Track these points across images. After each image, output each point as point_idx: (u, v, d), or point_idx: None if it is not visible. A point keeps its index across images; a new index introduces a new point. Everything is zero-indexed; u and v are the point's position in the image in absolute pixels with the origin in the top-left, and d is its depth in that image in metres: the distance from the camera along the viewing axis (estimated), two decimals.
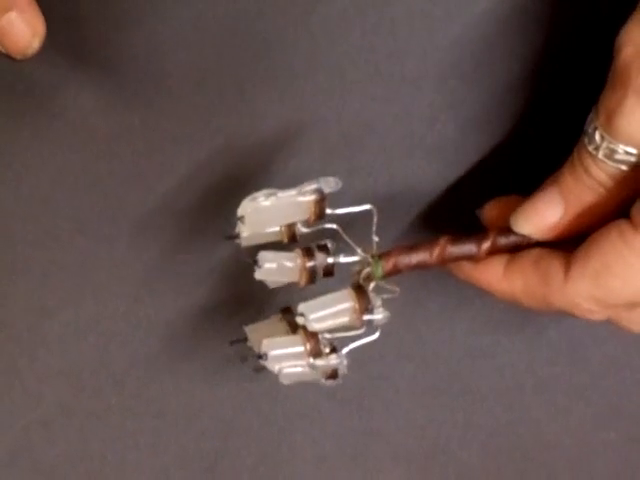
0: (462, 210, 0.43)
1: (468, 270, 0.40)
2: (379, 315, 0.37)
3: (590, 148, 0.36)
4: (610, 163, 0.36)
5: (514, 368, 0.47)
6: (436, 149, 0.44)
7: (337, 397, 0.47)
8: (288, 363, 0.37)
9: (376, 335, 0.37)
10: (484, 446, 0.48)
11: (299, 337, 0.37)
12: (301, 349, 0.37)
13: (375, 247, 0.38)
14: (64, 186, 0.43)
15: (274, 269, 0.37)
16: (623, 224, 0.35)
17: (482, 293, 0.45)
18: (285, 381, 0.37)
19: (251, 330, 0.40)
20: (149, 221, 0.44)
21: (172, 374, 0.45)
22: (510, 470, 0.49)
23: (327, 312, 0.37)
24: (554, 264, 0.37)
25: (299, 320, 0.37)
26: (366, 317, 0.37)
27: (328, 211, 0.37)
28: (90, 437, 0.45)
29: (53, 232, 0.43)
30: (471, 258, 0.39)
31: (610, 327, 0.46)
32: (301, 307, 0.37)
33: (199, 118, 0.43)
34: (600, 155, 0.36)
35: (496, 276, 0.39)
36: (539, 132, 0.43)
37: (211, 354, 0.46)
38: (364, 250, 0.38)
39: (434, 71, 0.42)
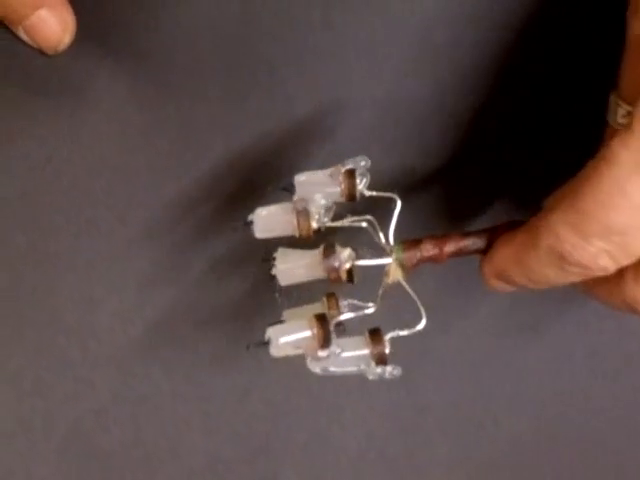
0: (500, 184, 0.43)
1: (485, 259, 0.39)
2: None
3: (607, 115, 0.37)
4: (617, 128, 0.36)
5: (561, 338, 0.47)
6: (471, 122, 0.43)
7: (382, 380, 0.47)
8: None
9: (422, 324, 0.37)
10: (533, 416, 0.48)
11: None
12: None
13: (392, 236, 0.37)
14: (103, 177, 0.43)
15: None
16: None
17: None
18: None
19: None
20: (188, 208, 0.44)
21: (220, 357, 0.46)
22: (561, 439, 0.48)
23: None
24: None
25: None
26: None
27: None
28: (142, 423, 0.46)
29: (94, 223, 0.44)
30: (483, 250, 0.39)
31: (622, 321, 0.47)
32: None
33: (232, 103, 0.43)
34: (611, 120, 0.36)
35: (503, 243, 0.38)
36: (575, 105, 0.43)
37: (259, 336, 0.46)
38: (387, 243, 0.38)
39: (466, 43, 0.42)
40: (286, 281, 0.38)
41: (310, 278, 0.38)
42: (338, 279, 0.37)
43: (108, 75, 0.42)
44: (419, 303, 0.37)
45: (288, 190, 0.37)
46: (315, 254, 0.37)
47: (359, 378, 0.46)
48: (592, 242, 0.34)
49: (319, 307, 0.38)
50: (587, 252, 0.34)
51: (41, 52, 0.41)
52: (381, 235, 0.37)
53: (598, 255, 0.34)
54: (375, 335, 0.37)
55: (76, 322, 0.45)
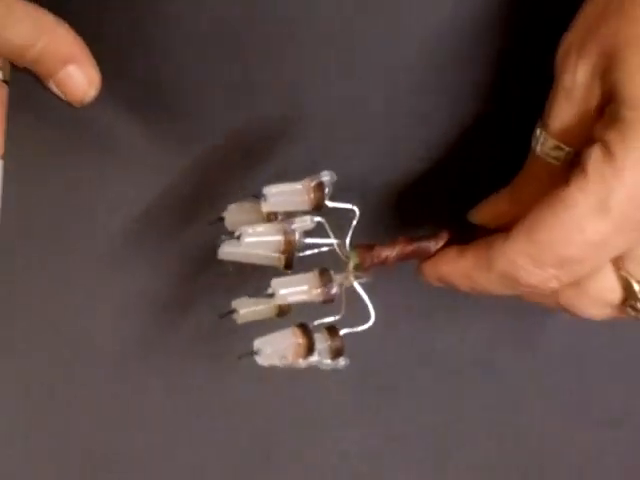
0: (478, 196, 0.43)
1: (428, 264, 0.42)
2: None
3: (533, 144, 0.39)
4: (543, 157, 0.39)
5: (517, 376, 0.50)
6: (444, 127, 0.44)
7: (358, 402, 0.49)
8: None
9: (371, 322, 0.39)
10: (493, 447, 0.50)
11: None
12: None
13: (348, 246, 0.39)
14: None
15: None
16: (560, 188, 0.37)
17: (489, 308, 0.48)
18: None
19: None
20: (173, 212, 0.46)
21: (203, 374, 0.48)
22: (516, 468, 0.50)
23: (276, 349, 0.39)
24: (500, 233, 0.39)
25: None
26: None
27: None
28: (127, 432, 0.48)
29: (81, 229, 0.46)
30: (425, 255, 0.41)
31: (611, 333, 0.48)
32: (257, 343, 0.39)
33: (208, 114, 0.44)
34: (538, 150, 0.39)
35: (452, 258, 0.41)
36: None
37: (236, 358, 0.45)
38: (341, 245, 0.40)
39: (451, 54, 0.42)
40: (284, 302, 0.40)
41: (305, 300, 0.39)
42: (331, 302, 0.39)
43: (126, 121, 0.45)
44: (368, 302, 0.39)
45: (258, 197, 0.38)
46: (311, 279, 0.39)
47: (335, 405, 0.49)
48: (547, 270, 0.38)
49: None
50: (541, 277, 0.38)
51: (69, 104, 0.43)
52: (334, 240, 0.39)
53: (550, 279, 0.38)
54: (332, 331, 0.40)
55: (70, 328, 0.46)
